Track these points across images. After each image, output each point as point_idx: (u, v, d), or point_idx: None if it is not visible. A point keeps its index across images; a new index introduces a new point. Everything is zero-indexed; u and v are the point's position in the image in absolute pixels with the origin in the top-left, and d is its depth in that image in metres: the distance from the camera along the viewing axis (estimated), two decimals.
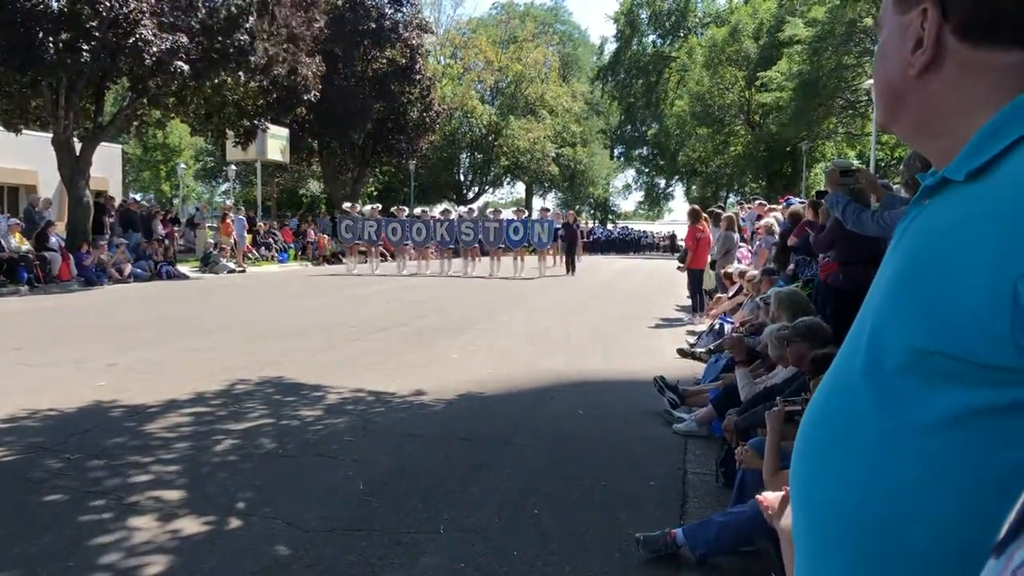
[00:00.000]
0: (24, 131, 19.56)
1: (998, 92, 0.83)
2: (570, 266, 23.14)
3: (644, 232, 57.99)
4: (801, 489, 0.94)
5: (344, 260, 23.44)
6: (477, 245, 22.52)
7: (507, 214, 24.52)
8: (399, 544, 3.76)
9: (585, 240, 33.50)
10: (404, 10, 33.69)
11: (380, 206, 25.83)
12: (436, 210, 26.08)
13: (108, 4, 15.78)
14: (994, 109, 0.83)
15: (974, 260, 0.76)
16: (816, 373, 3.49)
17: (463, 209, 27.40)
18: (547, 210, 25.08)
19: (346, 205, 24.93)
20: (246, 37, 18.35)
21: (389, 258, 25.14)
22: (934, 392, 0.79)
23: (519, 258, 22.07)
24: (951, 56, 0.86)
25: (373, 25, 31.78)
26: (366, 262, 23.48)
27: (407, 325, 11.28)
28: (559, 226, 23.83)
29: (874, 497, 0.83)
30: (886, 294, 0.86)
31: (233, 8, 18.08)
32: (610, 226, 58.09)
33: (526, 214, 24.21)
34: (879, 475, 0.83)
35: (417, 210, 25.64)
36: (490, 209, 27.14)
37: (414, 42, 33.34)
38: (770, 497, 1.27)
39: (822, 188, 6.78)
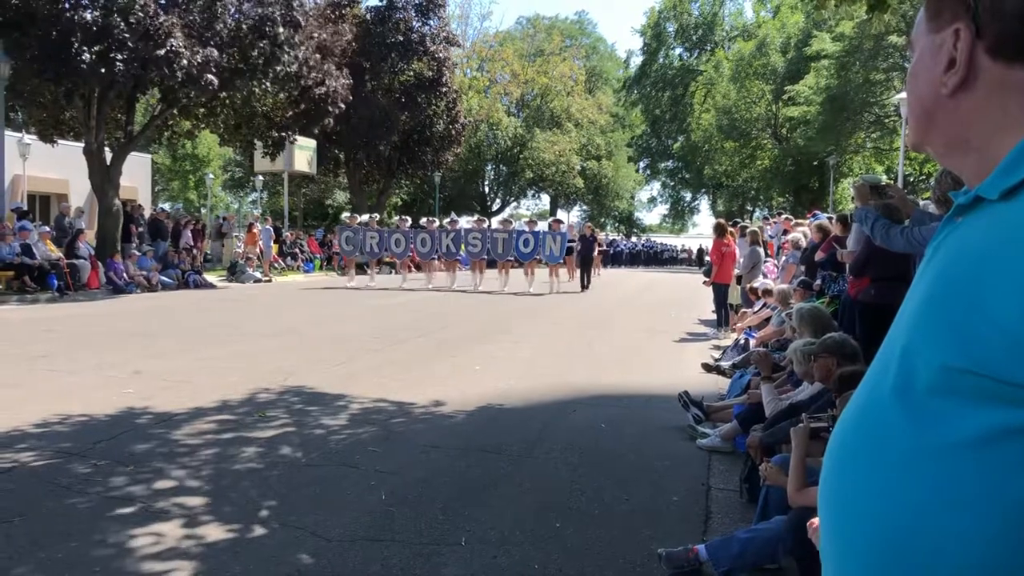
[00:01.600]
0: (57, 140, 19.93)
1: None
2: (585, 282, 21.50)
3: (666, 245, 57.77)
4: (830, 507, 0.93)
5: (368, 271, 22.36)
6: (484, 257, 21.17)
7: (518, 225, 23.20)
8: (420, 555, 3.77)
9: (603, 249, 32.07)
10: (432, 23, 33.92)
11: (378, 216, 24.02)
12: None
13: (140, 15, 16.05)
14: None
15: (1009, 278, 0.75)
16: (842, 390, 3.46)
17: (471, 219, 25.16)
18: (559, 221, 22.93)
19: (344, 215, 23.30)
20: (267, 43, 18.54)
21: (415, 270, 24.26)
22: (965, 411, 0.78)
23: (530, 272, 20.53)
24: (984, 75, 0.85)
25: (401, 38, 32.03)
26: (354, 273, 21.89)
27: (427, 336, 11.31)
28: (573, 239, 22.49)
29: (903, 516, 0.82)
30: (918, 312, 0.86)
31: (257, 18, 18.30)
32: (634, 239, 57.47)
33: (538, 225, 22.57)
34: (908, 494, 0.82)
35: (422, 220, 23.42)
36: (500, 219, 25.32)
37: (441, 55, 33.53)
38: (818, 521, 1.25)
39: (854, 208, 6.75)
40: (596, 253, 24.14)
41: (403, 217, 23.52)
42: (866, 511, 0.86)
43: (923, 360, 0.82)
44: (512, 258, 20.94)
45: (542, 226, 23.11)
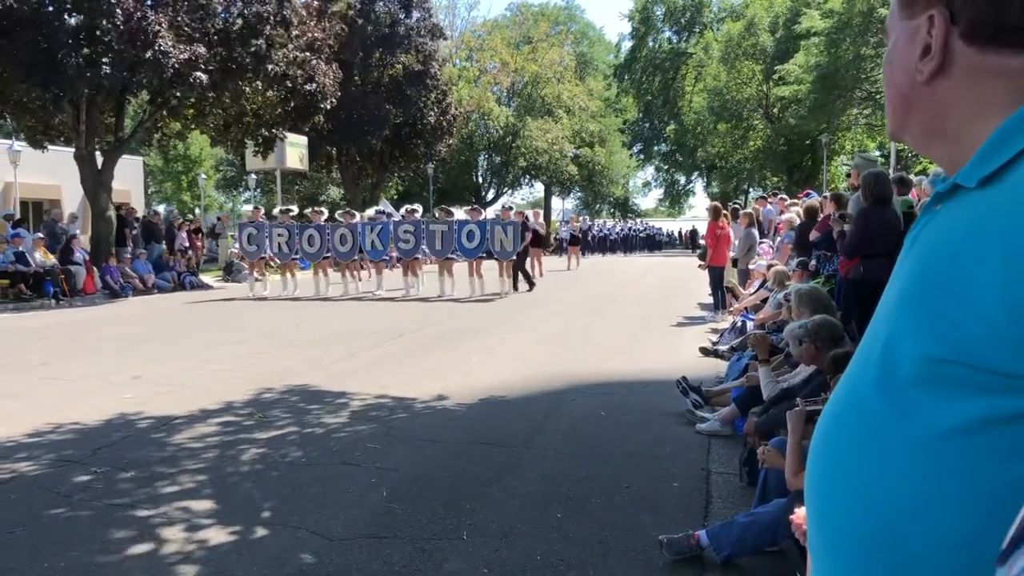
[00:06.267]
0: (47, 146, 19.86)
1: (1008, 96, 0.82)
2: (515, 282, 17.42)
3: (656, 229, 57.56)
4: (815, 500, 0.93)
5: (259, 275, 17.81)
6: (419, 256, 17.19)
7: (460, 214, 19.37)
8: (423, 551, 3.77)
9: (584, 235, 29.77)
10: (416, 15, 33.75)
11: (294, 210, 19.11)
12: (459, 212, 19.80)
13: (125, 18, 15.95)
14: (1005, 114, 0.82)
15: (989, 266, 0.75)
16: (837, 372, 3.46)
17: (404, 208, 19.47)
18: (509, 209, 18.71)
19: (246, 209, 19.33)
20: (262, 42, 18.44)
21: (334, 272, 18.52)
22: (947, 401, 0.78)
23: (476, 271, 16.58)
24: (959, 61, 0.85)
25: (386, 31, 31.88)
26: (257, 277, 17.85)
27: (422, 331, 11.31)
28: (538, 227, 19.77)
29: (886, 506, 0.82)
30: (898, 302, 0.85)
31: (250, 16, 18.23)
32: (623, 224, 55.35)
33: (482, 215, 18.46)
34: (893, 485, 0.82)
35: (337, 213, 19.28)
36: (441, 206, 19.83)
37: (428, 47, 33.39)
38: (802, 515, 1.25)
39: (846, 210, 6.75)
40: (526, 244, 18.39)
41: (316, 210, 19.23)
42: (850, 503, 0.86)
43: (905, 351, 0.82)
44: (453, 255, 16.84)
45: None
